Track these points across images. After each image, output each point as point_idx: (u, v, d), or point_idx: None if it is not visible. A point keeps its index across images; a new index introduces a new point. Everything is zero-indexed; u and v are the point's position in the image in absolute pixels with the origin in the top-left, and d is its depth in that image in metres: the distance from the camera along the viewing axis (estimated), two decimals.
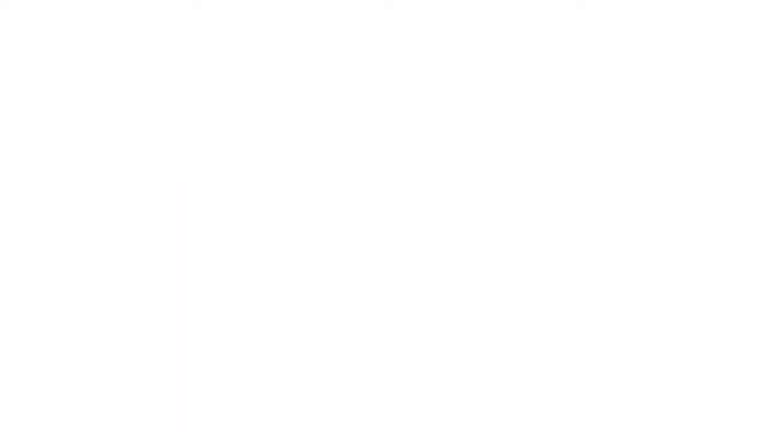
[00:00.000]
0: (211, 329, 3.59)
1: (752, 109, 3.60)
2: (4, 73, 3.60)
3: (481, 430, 3.58)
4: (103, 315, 3.59)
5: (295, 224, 3.61)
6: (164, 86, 3.62)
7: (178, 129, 3.62)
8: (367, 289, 3.60)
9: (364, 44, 3.62)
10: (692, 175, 3.60)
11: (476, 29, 3.62)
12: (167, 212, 3.60)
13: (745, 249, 3.58)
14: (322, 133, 3.62)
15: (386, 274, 3.61)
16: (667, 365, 3.58)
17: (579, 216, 3.60)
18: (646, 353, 3.58)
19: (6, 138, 3.60)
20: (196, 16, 3.62)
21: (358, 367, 3.60)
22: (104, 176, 3.61)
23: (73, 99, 3.62)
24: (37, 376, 3.58)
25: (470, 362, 3.59)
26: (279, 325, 3.60)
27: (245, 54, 3.64)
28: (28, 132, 3.61)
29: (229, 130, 3.63)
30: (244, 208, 3.61)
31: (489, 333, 3.60)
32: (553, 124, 3.61)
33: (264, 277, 3.60)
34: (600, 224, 3.60)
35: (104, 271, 3.59)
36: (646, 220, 3.60)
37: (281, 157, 3.62)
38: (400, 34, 3.62)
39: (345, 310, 3.60)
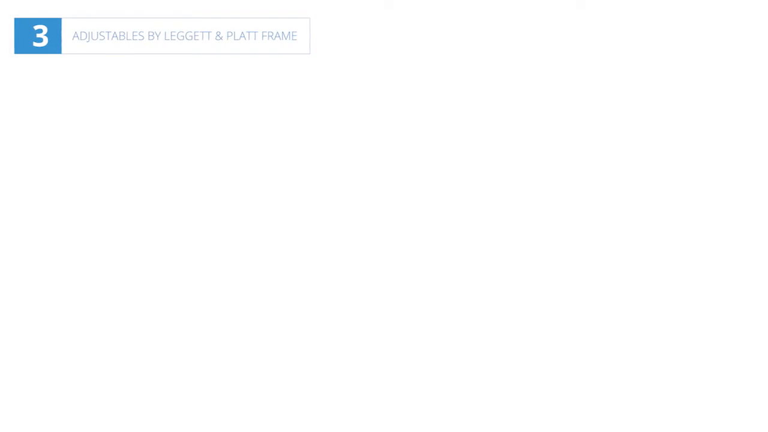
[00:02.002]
0: (211, 329, 3.60)
1: (753, 108, 3.61)
2: (4, 74, 3.61)
3: (481, 430, 3.58)
4: (103, 315, 3.59)
5: (294, 224, 3.61)
6: (164, 85, 3.62)
7: (177, 128, 3.62)
8: (368, 290, 3.60)
9: (363, 44, 3.62)
10: (692, 175, 3.60)
11: (476, 29, 3.63)
12: (167, 212, 3.60)
13: (745, 249, 3.59)
14: (321, 133, 3.62)
15: (386, 274, 3.61)
16: (667, 365, 3.58)
17: (579, 216, 3.60)
18: (647, 353, 3.58)
19: (6, 138, 3.60)
20: (195, 14, 3.63)
21: (358, 366, 3.60)
22: (104, 176, 3.61)
23: (73, 98, 3.62)
24: (37, 375, 3.58)
25: (470, 362, 3.60)
26: (279, 326, 3.60)
27: (244, 53, 3.64)
28: (27, 132, 3.61)
29: (229, 130, 3.63)
30: (244, 207, 3.61)
31: (490, 333, 3.60)
32: (553, 124, 3.62)
33: (264, 276, 3.61)
34: (600, 224, 3.60)
35: (104, 270, 3.60)
36: (646, 220, 3.60)
37: (281, 158, 3.62)
38: (400, 34, 3.62)
39: (346, 310, 3.61)
